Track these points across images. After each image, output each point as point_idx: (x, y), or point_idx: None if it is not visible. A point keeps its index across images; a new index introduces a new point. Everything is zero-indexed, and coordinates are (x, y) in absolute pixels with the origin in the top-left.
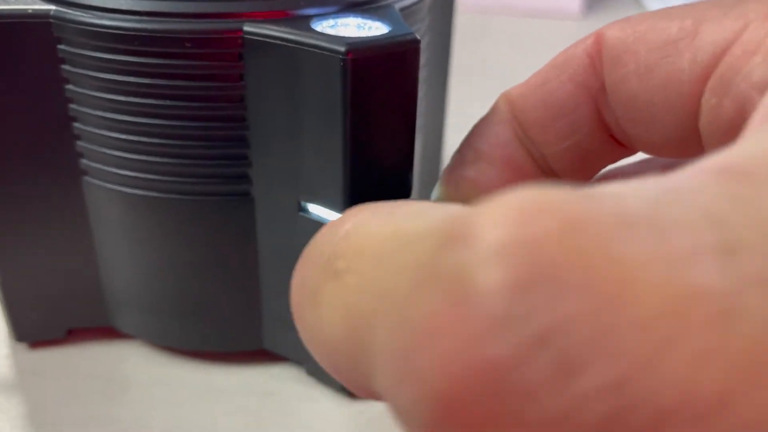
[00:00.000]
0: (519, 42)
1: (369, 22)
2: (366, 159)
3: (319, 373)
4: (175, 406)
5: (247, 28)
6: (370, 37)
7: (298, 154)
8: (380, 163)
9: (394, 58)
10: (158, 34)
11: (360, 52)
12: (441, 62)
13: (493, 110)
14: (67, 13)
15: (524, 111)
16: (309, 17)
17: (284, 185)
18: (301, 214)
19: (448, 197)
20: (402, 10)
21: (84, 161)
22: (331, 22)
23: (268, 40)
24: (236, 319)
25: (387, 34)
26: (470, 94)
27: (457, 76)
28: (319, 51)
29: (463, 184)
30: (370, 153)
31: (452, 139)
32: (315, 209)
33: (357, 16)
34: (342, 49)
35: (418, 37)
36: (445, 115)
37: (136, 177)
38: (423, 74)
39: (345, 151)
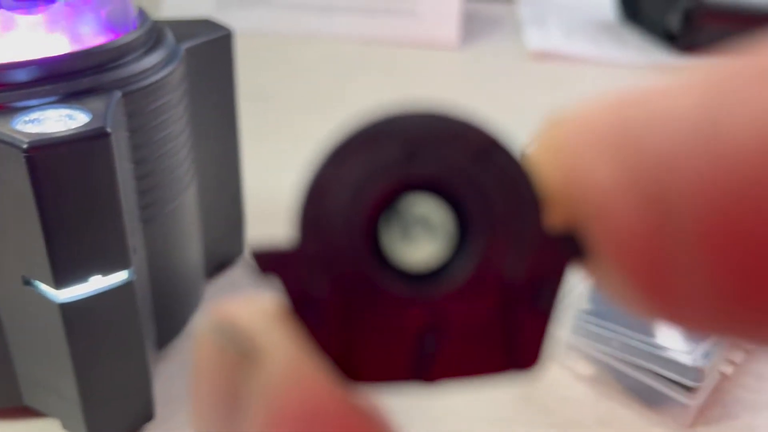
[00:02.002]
0: (397, 72)
1: (75, 114)
2: (67, 240)
3: (71, 426)
4: None
5: None
6: (55, 133)
7: (15, 235)
8: (83, 236)
9: (80, 152)
10: None
11: (41, 149)
12: (220, 111)
13: None
14: None
15: None
16: (20, 110)
17: (9, 260)
18: (27, 287)
19: None
20: (138, 91)
21: None
22: (36, 115)
23: None
24: None
25: (75, 129)
26: (341, 123)
27: (328, 105)
28: (7, 146)
29: None
30: (71, 234)
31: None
32: (37, 284)
33: (66, 108)
34: (24, 146)
35: (108, 130)
36: (239, 158)
37: None
38: (184, 130)
39: (44, 235)
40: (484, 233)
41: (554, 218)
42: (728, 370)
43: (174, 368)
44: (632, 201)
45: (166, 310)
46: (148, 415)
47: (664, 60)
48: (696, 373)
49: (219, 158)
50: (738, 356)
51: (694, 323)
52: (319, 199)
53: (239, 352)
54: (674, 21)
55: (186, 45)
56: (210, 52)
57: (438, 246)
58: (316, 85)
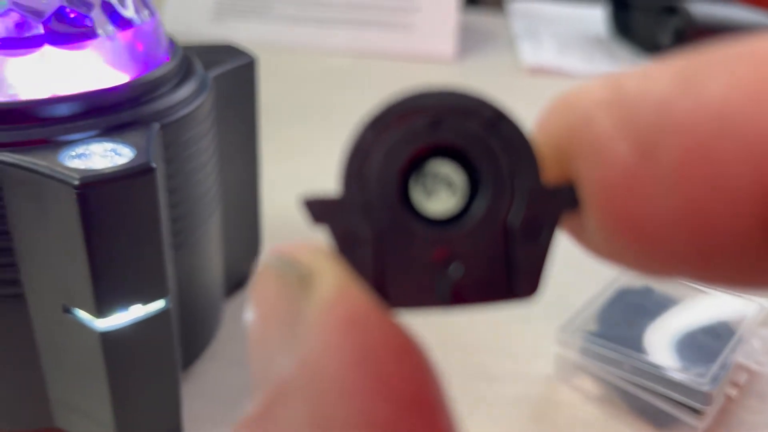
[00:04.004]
0: (393, 85)
1: (119, 148)
2: (112, 272)
3: None
4: None
5: (1, 157)
6: (103, 169)
7: (58, 264)
8: (125, 267)
9: (127, 188)
10: None
11: (92, 185)
12: (243, 136)
13: None
14: None
15: None
16: (65, 144)
17: (50, 289)
18: (67, 315)
19: None
20: (174, 122)
21: None
22: (81, 149)
23: (19, 168)
24: (24, 402)
25: (122, 165)
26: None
27: (324, 118)
28: (58, 182)
29: None
30: (115, 266)
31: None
32: (78, 312)
33: (109, 141)
34: (75, 182)
35: (153, 165)
36: (258, 180)
37: None
38: (212, 158)
39: (90, 267)
40: (492, 188)
41: (553, 174)
42: (733, 392)
43: (197, 388)
44: (624, 143)
45: (191, 332)
46: None
47: None
48: (704, 397)
49: (241, 181)
50: (742, 378)
51: (661, 264)
52: (361, 158)
53: (298, 276)
54: (665, 38)
55: (213, 73)
56: (235, 79)
57: (455, 198)
58: (312, 97)
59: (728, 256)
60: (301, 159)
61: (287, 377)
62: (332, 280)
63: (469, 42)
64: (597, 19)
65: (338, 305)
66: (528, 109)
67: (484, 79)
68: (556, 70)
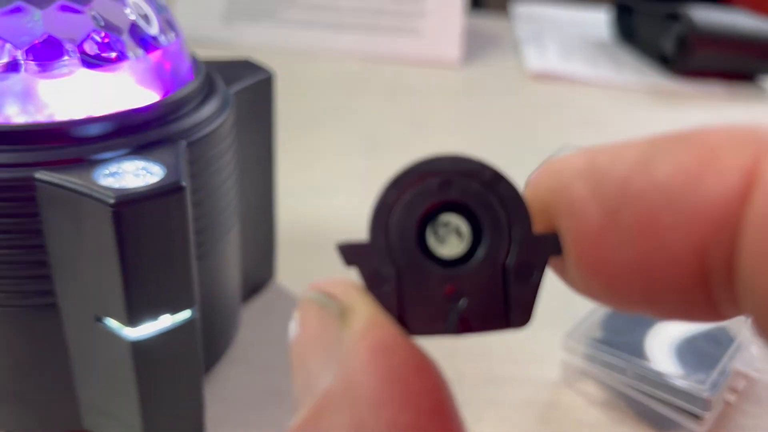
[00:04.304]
0: (400, 89)
1: (150, 166)
2: (143, 284)
3: None
4: None
5: (38, 175)
6: (137, 188)
7: (91, 276)
8: (156, 280)
9: (159, 205)
10: None
11: (126, 204)
12: (260, 149)
13: None
14: None
15: None
16: (98, 162)
17: (83, 300)
18: (98, 324)
19: None
20: (200, 140)
21: None
22: (114, 167)
23: (56, 186)
24: (55, 405)
25: (155, 184)
26: (346, 141)
27: (333, 122)
28: (94, 200)
29: None
30: (147, 279)
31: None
32: (109, 321)
33: (140, 160)
34: (111, 201)
35: (183, 184)
36: (274, 191)
37: None
38: (233, 172)
39: (123, 279)
40: (492, 236)
41: (541, 225)
42: (732, 398)
43: (217, 392)
44: (594, 206)
45: (211, 338)
46: None
47: (659, 83)
48: (704, 403)
49: (258, 192)
50: (741, 385)
51: (623, 301)
52: (385, 212)
53: (336, 309)
54: (668, 45)
55: (233, 89)
56: (253, 94)
57: (462, 244)
58: (320, 101)
59: (671, 297)
60: (310, 163)
61: (329, 391)
62: (364, 312)
63: (474, 46)
64: (601, 22)
65: (369, 333)
66: (532, 115)
67: (490, 85)
68: (561, 75)
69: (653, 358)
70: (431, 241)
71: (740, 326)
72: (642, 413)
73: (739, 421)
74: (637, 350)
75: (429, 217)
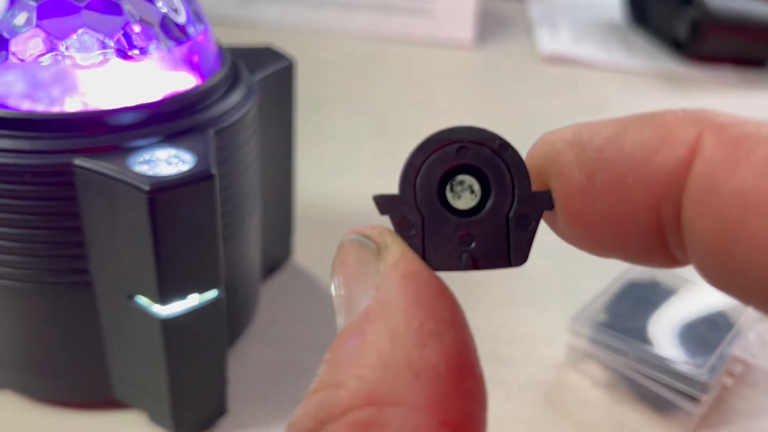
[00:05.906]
0: (413, 70)
1: (181, 154)
2: (174, 265)
3: (158, 419)
4: None
5: (77, 162)
6: (170, 175)
7: (124, 257)
8: (186, 261)
9: (190, 192)
10: (5, 168)
11: (160, 190)
12: (281, 135)
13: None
14: None
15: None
16: (132, 150)
17: (116, 278)
18: (130, 301)
19: None
20: (227, 128)
21: None
22: (148, 155)
23: (93, 173)
24: (88, 377)
25: (186, 172)
26: (359, 121)
27: (345, 104)
28: (130, 187)
29: None
30: (177, 260)
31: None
32: (141, 299)
33: (171, 147)
34: (146, 188)
35: (213, 172)
36: (294, 174)
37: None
38: (257, 157)
39: (155, 260)
40: (498, 192)
41: (538, 185)
42: (728, 382)
43: (238, 366)
44: (577, 170)
45: (233, 315)
46: (222, 409)
47: (671, 68)
48: (701, 386)
49: (278, 175)
50: (738, 369)
51: (601, 247)
52: (413, 172)
53: (373, 246)
54: (681, 29)
55: (256, 77)
56: (275, 82)
57: (474, 199)
58: (332, 81)
59: (636, 244)
60: (324, 144)
61: (369, 308)
62: (396, 249)
63: (487, 28)
64: (614, 5)
65: (401, 265)
66: (544, 98)
67: (502, 67)
68: (573, 59)
69: (654, 342)
70: (449, 196)
71: (739, 313)
72: (642, 394)
73: (734, 403)
74: (639, 334)
75: (448, 176)
